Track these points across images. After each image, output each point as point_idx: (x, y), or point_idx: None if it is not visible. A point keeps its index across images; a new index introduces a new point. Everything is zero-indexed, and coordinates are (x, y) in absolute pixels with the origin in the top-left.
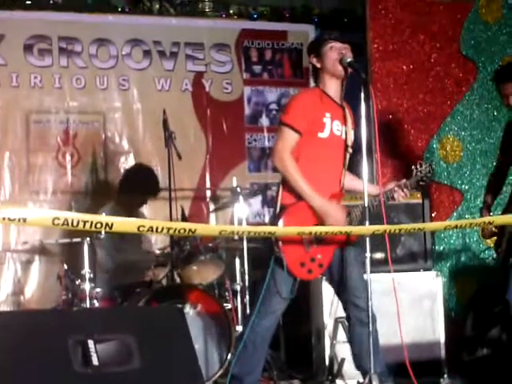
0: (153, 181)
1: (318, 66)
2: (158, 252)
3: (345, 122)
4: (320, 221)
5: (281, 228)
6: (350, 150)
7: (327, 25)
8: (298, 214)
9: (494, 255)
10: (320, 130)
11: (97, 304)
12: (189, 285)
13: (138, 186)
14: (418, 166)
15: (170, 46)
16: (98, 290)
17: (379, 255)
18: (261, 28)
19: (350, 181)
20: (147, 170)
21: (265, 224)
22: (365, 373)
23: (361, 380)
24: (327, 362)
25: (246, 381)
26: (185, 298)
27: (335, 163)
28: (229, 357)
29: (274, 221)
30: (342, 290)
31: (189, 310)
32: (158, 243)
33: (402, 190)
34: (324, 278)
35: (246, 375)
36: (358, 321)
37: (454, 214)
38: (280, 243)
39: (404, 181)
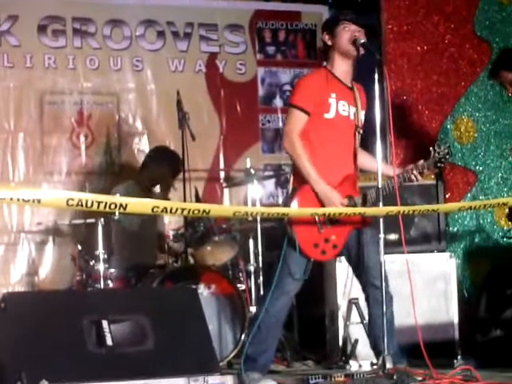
0: (175, 160)
1: (330, 43)
2: (171, 233)
3: (354, 103)
4: (323, 205)
5: (294, 209)
6: (361, 131)
7: (341, 5)
8: (309, 196)
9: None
10: (326, 111)
11: (111, 285)
12: (203, 266)
13: (161, 167)
14: (436, 148)
15: (184, 26)
16: (112, 270)
17: (393, 236)
18: (274, 9)
19: (368, 162)
20: (169, 151)
21: (278, 205)
22: (379, 354)
23: (374, 361)
24: (341, 343)
25: (259, 361)
26: (199, 279)
27: (344, 144)
28: (242, 337)
29: (286, 202)
30: (360, 271)
31: (203, 290)
32: (172, 224)
33: (420, 172)
34: (339, 259)
35: (260, 355)
36: (376, 301)
37: (468, 195)
38: (293, 224)
39: (422, 162)
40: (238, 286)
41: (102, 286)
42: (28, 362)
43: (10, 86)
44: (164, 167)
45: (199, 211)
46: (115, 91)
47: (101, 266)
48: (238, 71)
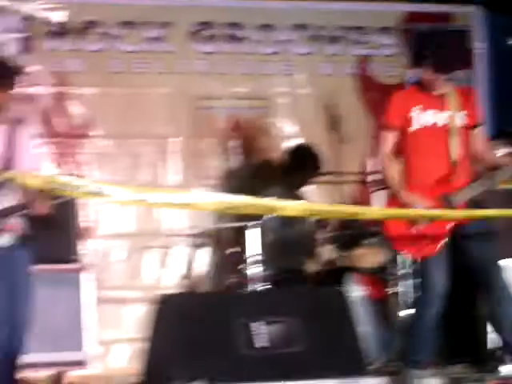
0: (313, 158)
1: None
2: (322, 235)
3: (446, 108)
4: None
5: (368, 209)
6: (473, 129)
7: (495, 6)
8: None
9: None
10: (409, 125)
11: (262, 287)
12: (355, 268)
13: (300, 165)
14: None
15: (334, 30)
16: (264, 273)
17: None
18: (424, 10)
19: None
20: (307, 148)
21: None
22: None
23: None
24: (496, 346)
25: (417, 362)
26: (351, 281)
27: (434, 149)
28: (394, 341)
29: None
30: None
31: (354, 293)
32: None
33: None
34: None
35: (416, 359)
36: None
37: None
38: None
39: None
40: (389, 289)
41: (256, 288)
42: (183, 362)
43: (162, 92)
44: (308, 169)
45: (350, 214)
46: (266, 96)
47: (254, 269)
48: (388, 73)
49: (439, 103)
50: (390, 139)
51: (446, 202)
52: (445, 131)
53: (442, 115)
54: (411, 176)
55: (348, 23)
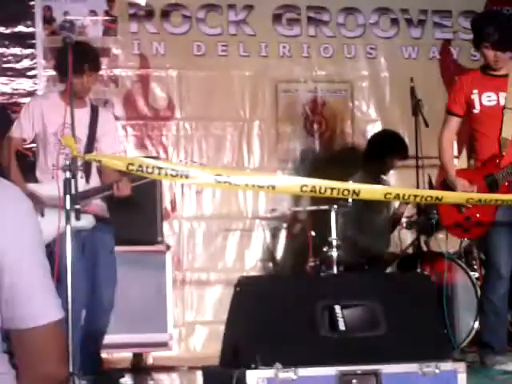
0: (399, 143)
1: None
2: (404, 219)
3: (506, 88)
4: None
5: (447, 193)
6: None
7: None
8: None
9: None
10: (472, 107)
11: (344, 270)
12: (435, 253)
13: (385, 150)
14: None
15: (418, 13)
16: (345, 256)
17: None
18: None
19: None
20: (393, 133)
21: None
22: None
23: None
24: None
25: (495, 348)
26: (432, 266)
27: (493, 129)
28: (475, 325)
29: None
30: None
31: (434, 277)
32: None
33: None
34: None
35: (495, 342)
36: None
37: None
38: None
39: None
40: (472, 273)
41: (336, 272)
42: (262, 345)
43: (245, 75)
44: (393, 154)
45: (432, 198)
46: (349, 79)
47: (334, 252)
48: (472, 57)
49: (499, 84)
50: (451, 123)
51: (490, 182)
52: (500, 111)
53: (501, 95)
54: (471, 158)
55: (431, 7)
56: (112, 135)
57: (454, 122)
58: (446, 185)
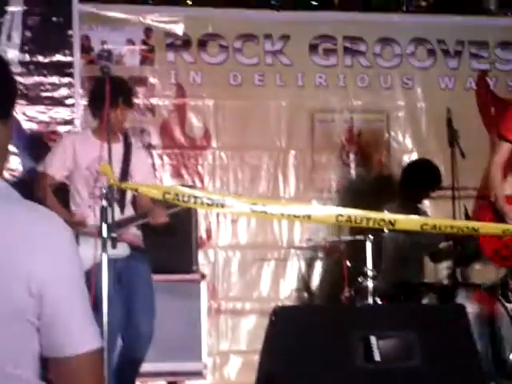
0: (433, 172)
1: None
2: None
3: None
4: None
5: (484, 224)
6: None
7: None
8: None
9: None
10: None
11: (379, 301)
12: (471, 284)
13: (419, 179)
14: None
15: (455, 44)
16: (381, 287)
17: None
18: None
19: None
20: (427, 162)
21: None
22: None
23: None
24: None
25: None
26: (467, 298)
27: None
28: (507, 356)
29: None
30: None
31: (472, 309)
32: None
33: None
34: None
35: None
36: None
37: None
38: None
39: None
40: (507, 305)
41: (371, 302)
42: (297, 375)
43: (281, 105)
44: (428, 184)
45: (468, 228)
46: (385, 109)
47: (369, 283)
48: (509, 88)
49: None
50: (503, 150)
51: None
52: None
53: None
54: None
55: (468, 37)
56: (145, 170)
57: (506, 149)
58: (494, 210)
